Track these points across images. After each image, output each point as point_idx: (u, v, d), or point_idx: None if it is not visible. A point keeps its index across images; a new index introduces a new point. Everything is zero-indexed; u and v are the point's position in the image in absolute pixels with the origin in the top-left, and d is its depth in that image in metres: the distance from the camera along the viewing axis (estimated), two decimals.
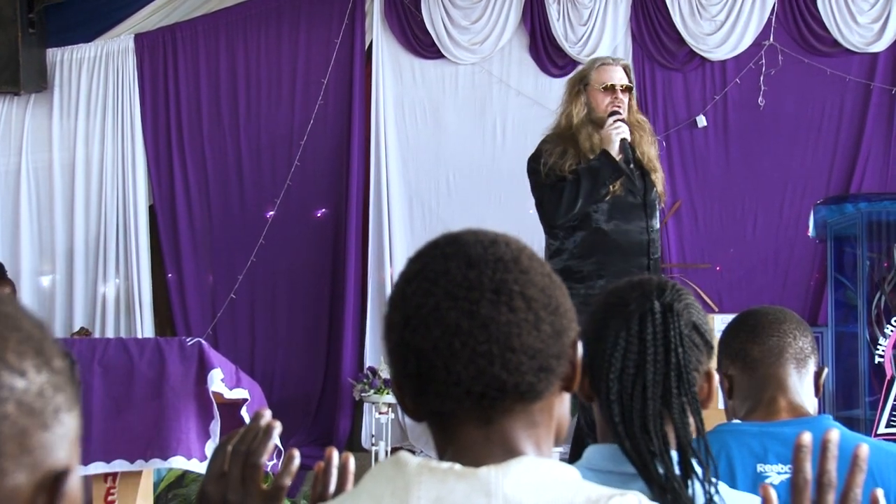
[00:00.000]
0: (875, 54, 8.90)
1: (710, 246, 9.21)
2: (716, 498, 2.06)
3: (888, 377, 5.43)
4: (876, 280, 5.84)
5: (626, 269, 5.53)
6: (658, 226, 5.78)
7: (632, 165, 5.78)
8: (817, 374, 3.03)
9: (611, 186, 5.78)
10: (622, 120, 5.87)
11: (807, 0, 9.00)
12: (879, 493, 1.71)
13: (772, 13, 9.08)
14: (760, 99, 9.06)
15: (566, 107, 6.01)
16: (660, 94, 9.33)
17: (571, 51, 9.49)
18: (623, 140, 5.77)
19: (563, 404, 1.68)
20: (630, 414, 2.14)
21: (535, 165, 5.91)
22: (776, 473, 2.77)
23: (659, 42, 9.35)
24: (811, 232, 5.91)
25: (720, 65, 9.26)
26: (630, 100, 6.03)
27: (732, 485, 2.57)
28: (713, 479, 2.09)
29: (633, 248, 5.66)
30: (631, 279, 2.34)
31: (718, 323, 5.96)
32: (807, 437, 1.69)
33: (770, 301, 4.06)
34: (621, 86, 5.95)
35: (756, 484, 2.48)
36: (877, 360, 5.48)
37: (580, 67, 6.18)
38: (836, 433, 1.69)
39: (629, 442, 2.11)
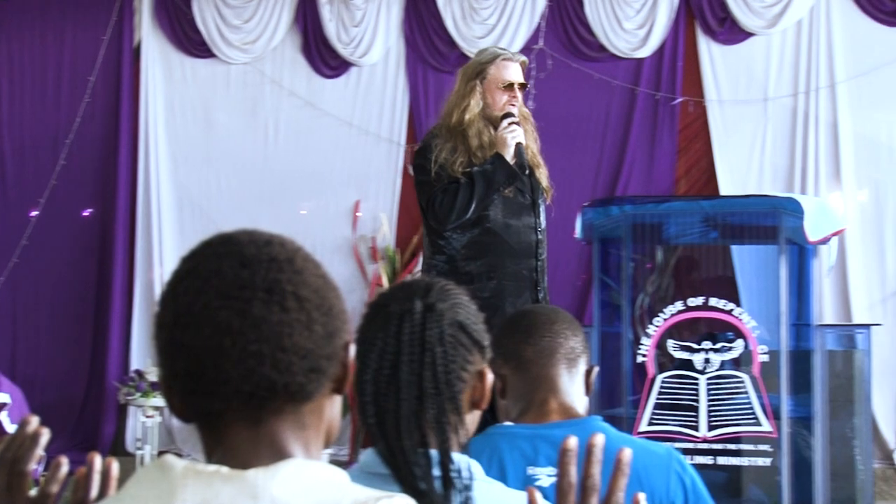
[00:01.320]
0: (640, 60, 9.11)
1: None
2: None
3: (650, 376, 5.54)
4: (639, 281, 5.96)
5: (516, 270, 5.44)
6: (545, 225, 5.66)
7: (527, 172, 5.65)
8: (587, 374, 3.05)
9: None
10: (516, 122, 5.67)
11: (575, 5, 9.17)
12: (642, 496, 1.73)
13: (542, 18, 9.23)
14: (530, 102, 9.18)
15: (461, 100, 5.71)
16: (431, 97, 9.38)
17: (344, 52, 9.49)
18: (518, 144, 5.59)
19: (333, 406, 1.66)
20: (384, 415, 2.11)
21: (424, 162, 5.62)
22: (546, 476, 2.78)
23: (431, 44, 9.41)
24: (578, 234, 6.01)
25: None
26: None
27: None
28: (468, 484, 2.07)
29: (522, 248, 5.48)
30: (403, 281, 2.32)
31: None
32: (572, 442, 1.70)
33: None
34: (519, 84, 5.76)
35: (526, 486, 2.49)
36: (639, 359, 5.59)
37: (478, 59, 5.87)
38: (601, 437, 1.70)
39: (383, 443, 2.10)
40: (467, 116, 5.65)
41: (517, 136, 5.59)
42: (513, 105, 5.69)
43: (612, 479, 1.69)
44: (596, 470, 1.69)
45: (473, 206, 5.43)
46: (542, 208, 5.68)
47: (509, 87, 5.71)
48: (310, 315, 1.57)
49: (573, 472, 1.69)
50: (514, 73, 5.75)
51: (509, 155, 5.55)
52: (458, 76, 5.93)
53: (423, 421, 2.11)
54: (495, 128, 5.67)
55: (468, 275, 5.43)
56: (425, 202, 5.57)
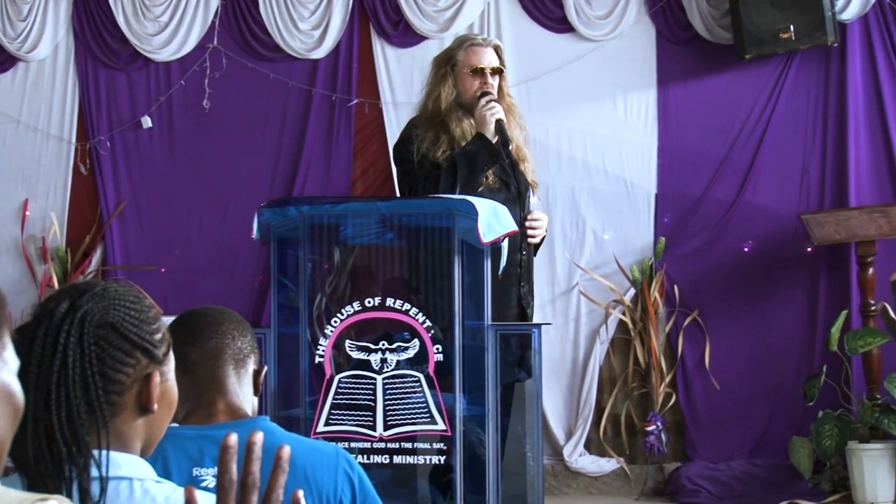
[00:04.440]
0: (316, 60, 9.12)
1: (155, 248, 9.15)
2: None
3: (327, 377, 5.55)
4: (317, 282, 5.95)
5: (505, 266, 5.43)
6: None
7: (511, 147, 5.56)
8: (256, 374, 3.05)
9: (484, 178, 5.59)
10: (495, 99, 5.64)
11: (249, 5, 9.11)
12: (300, 493, 1.74)
13: (215, 16, 9.13)
14: (206, 101, 9.09)
15: (433, 89, 5.73)
16: (103, 94, 9.18)
17: (10, 47, 9.21)
18: (499, 121, 5.53)
19: None
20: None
21: (405, 153, 5.60)
22: (212, 476, 2.76)
23: (102, 41, 9.21)
24: (255, 234, 5.95)
25: (165, 66, 9.21)
26: (501, 82, 5.83)
27: None
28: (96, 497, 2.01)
29: (508, 243, 5.44)
30: (73, 283, 2.25)
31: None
32: (232, 439, 1.69)
33: (216, 303, 4.12)
34: (491, 68, 5.72)
35: (185, 485, 2.45)
36: (317, 360, 5.58)
37: (447, 46, 5.84)
38: (259, 435, 1.70)
39: (13, 445, 2.02)
40: (442, 105, 5.68)
41: (496, 113, 5.59)
42: (488, 90, 5.70)
43: (271, 476, 1.69)
44: (255, 467, 1.69)
45: (458, 188, 5.39)
46: (528, 202, 5.69)
47: (478, 71, 5.72)
48: None
49: (234, 470, 1.68)
50: (483, 58, 5.76)
51: (490, 132, 5.53)
52: (430, 66, 5.96)
53: (52, 423, 2.02)
54: (472, 114, 5.67)
55: None
56: (408, 192, 5.60)
